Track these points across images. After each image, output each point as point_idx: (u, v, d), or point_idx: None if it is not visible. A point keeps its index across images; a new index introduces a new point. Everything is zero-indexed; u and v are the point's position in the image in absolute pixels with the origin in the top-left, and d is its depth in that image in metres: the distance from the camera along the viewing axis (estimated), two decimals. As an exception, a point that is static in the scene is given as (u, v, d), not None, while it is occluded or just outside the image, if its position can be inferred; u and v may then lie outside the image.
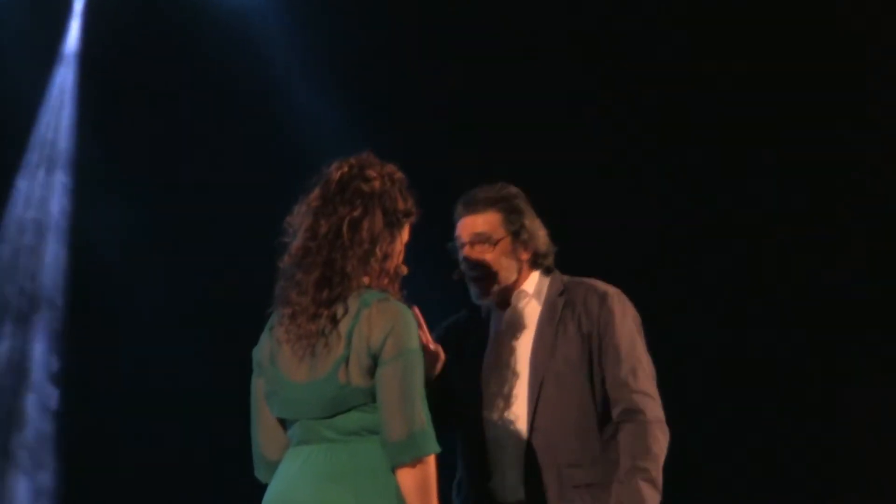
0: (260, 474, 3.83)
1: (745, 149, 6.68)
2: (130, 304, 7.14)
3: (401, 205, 3.77)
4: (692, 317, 6.51)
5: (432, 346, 4.03)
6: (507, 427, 4.36)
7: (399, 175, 3.82)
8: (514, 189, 4.52)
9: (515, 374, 4.39)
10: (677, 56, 6.70)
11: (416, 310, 3.81)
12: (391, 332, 3.62)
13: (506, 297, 4.47)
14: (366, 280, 3.71)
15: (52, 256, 7.29)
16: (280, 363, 3.72)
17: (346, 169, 3.77)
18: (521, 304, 4.47)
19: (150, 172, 7.15)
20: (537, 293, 4.47)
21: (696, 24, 6.71)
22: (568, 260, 4.52)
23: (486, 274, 4.43)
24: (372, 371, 3.62)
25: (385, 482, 3.59)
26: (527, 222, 4.47)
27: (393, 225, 3.75)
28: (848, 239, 6.58)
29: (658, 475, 4.25)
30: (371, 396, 3.62)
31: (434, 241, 4.22)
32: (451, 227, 4.42)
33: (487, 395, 4.40)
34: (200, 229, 7.03)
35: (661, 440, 4.30)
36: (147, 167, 7.16)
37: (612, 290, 4.45)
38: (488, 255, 4.43)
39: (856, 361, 6.49)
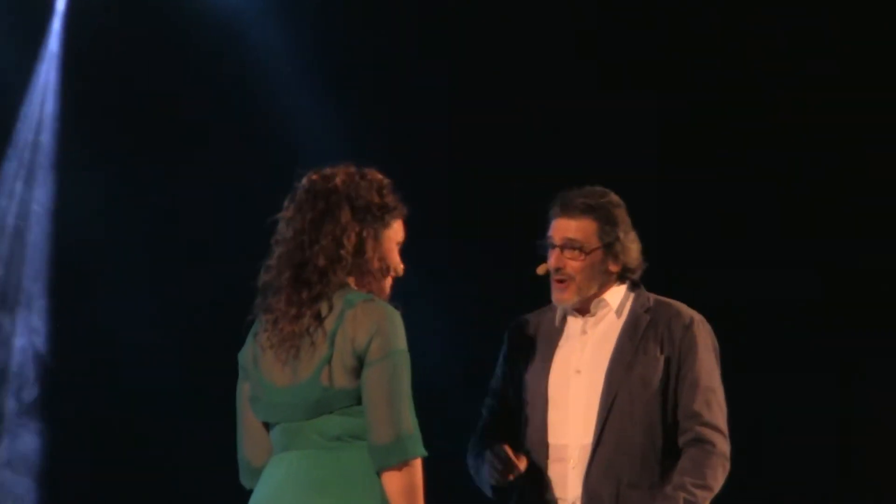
0: (244, 480, 3.80)
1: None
2: (112, 298, 7.11)
3: (374, 198, 3.71)
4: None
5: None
6: (573, 435, 4.32)
7: (373, 174, 3.77)
8: (615, 198, 4.44)
9: (588, 384, 4.34)
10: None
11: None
12: (377, 332, 3.57)
13: (585, 305, 4.42)
14: (351, 280, 3.68)
15: (35, 250, 7.26)
16: (263, 367, 3.68)
17: (314, 177, 3.74)
18: (601, 313, 4.42)
19: (133, 170, 7.13)
20: (620, 306, 4.41)
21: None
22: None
23: (570, 280, 4.37)
24: (357, 372, 3.58)
25: (370, 489, 3.56)
26: (621, 234, 4.40)
27: (365, 219, 3.69)
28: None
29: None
30: (356, 399, 3.59)
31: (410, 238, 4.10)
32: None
33: (555, 399, 4.36)
34: (184, 226, 7.01)
35: (719, 475, 4.26)
36: (130, 165, 7.14)
37: (698, 318, 4.40)
38: (577, 263, 4.37)
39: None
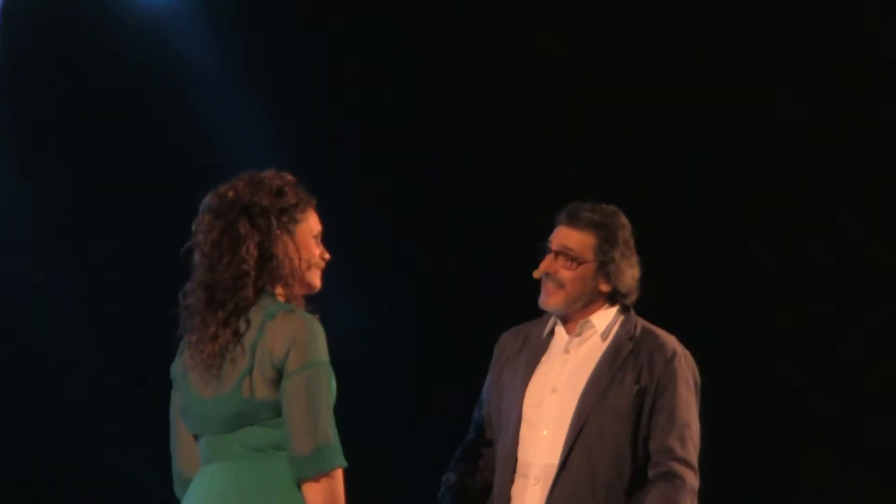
0: (177, 490, 3.81)
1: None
2: (36, 295, 7.06)
3: (271, 202, 3.70)
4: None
5: None
6: (539, 453, 4.35)
7: (270, 176, 3.75)
8: (623, 219, 4.49)
9: (561, 405, 4.36)
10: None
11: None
12: (294, 343, 3.58)
13: (572, 321, 4.44)
14: (278, 287, 3.69)
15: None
16: (191, 380, 3.70)
17: (211, 197, 3.74)
18: (586, 334, 4.44)
19: (61, 175, 7.09)
20: (606, 330, 4.43)
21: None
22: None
23: (557, 287, 4.40)
24: (276, 383, 3.59)
25: (291, 500, 3.56)
26: (618, 256, 4.42)
27: (269, 225, 3.68)
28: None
29: None
30: (276, 411, 3.59)
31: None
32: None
33: (528, 415, 4.39)
34: (106, 228, 6.98)
35: None
36: (61, 167, 7.10)
37: (681, 351, 4.41)
38: (567, 272, 4.41)
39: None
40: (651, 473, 4.30)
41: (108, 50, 6.94)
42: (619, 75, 6.74)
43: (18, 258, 6.95)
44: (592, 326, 4.44)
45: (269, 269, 3.68)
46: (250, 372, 3.61)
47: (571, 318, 4.45)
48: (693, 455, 4.33)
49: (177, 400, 3.79)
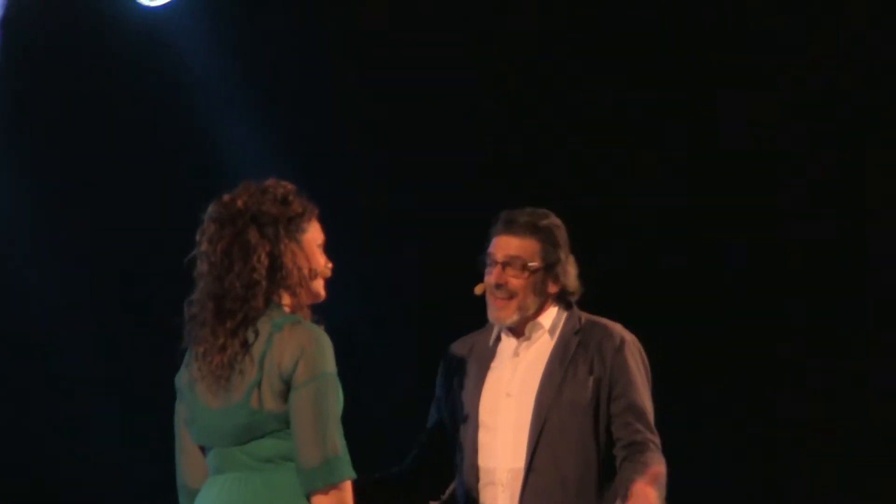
0: (183, 502, 3.81)
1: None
2: (36, 295, 7.06)
3: (279, 211, 3.71)
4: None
5: None
6: (501, 458, 4.34)
7: (274, 185, 3.75)
8: (557, 220, 4.46)
9: (518, 408, 4.35)
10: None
11: None
12: (302, 355, 3.59)
13: (520, 325, 4.42)
14: (286, 296, 3.70)
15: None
16: (198, 391, 3.70)
17: (217, 206, 3.74)
18: (535, 336, 4.42)
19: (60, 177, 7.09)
20: (552, 328, 4.42)
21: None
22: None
23: (509, 298, 4.37)
24: (285, 396, 3.60)
25: (300, 511, 3.57)
26: (562, 256, 4.42)
27: (277, 234, 3.69)
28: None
29: (663, 486, 4.20)
30: (285, 422, 3.61)
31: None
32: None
33: (485, 422, 4.37)
34: (106, 235, 6.98)
35: (664, 468, 4.24)
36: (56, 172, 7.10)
37: (629, 338, 4.42)
38: (517, 281, 4.37)
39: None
40: (618, 448, 4.30)
41: (108, 51, 6.93)
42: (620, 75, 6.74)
43: (18, 258, 6.95)
44: (541, 327, 4.43)
45: (278, 279, 3.69)
46: (259, 384, 3.61)
47: (521, 323, 4.43)
48: (655, 431, 4.34)
49: (181, 411, 3.79)
